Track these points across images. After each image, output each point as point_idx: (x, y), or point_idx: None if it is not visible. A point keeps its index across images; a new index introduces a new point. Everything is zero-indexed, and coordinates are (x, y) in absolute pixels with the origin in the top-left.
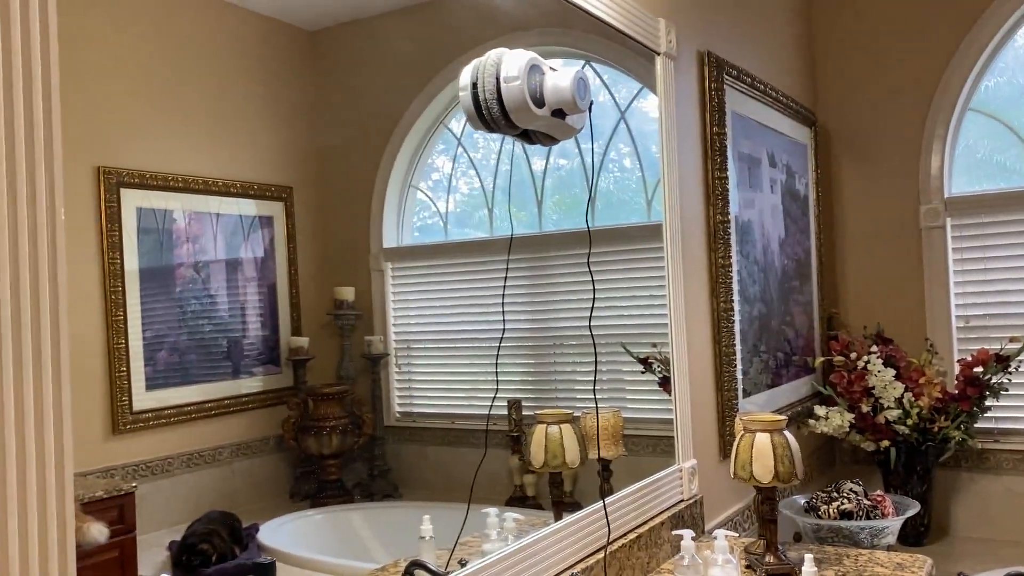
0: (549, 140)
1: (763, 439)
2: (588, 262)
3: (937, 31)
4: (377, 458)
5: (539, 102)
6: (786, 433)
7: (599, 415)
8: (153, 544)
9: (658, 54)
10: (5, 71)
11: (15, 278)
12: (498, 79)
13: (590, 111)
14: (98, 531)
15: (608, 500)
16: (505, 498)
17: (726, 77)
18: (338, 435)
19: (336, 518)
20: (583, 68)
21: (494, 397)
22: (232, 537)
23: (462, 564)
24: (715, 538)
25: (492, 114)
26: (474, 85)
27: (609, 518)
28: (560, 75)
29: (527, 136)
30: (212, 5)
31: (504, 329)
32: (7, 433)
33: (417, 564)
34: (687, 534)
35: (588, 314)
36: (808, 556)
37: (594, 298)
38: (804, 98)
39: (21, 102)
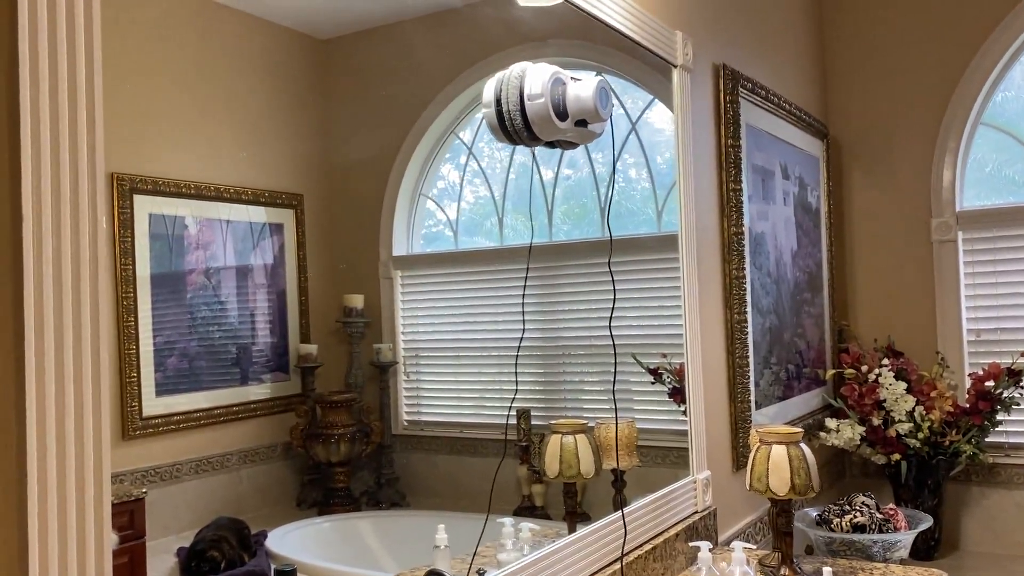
0: (570, 146)
1: (779, 451)
2: (610, 266)
3: (950, 45)
4: (385, 466)
5: (562, 115)
6: (802, 445)
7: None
8: (162, 550)
9: (675, 67)
10: (52, 106)
11: (58, 282)
12: (522, 95)
13: (610, 117)
14: None
15: (625, 511)
16: (513, 508)
17: (741, 90)
18: (346, 443)
19: (344, 526)
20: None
21: (512, 402)
22: (241, 544)
23: (480, 574)
24: (732, 550)
25: (515, 128)
26: (498, 101)
27: (627, 528)
28: (582, 86)
29: (549, 143)
30: (224, 13)
31: (523, 335)
32: (47, 435)
33: (435, 573)
34: (704, 546)
35: (597, 324)
36: (827, 569)
37: (614, 302)
38: (816, 111)
39: (67, 135)
